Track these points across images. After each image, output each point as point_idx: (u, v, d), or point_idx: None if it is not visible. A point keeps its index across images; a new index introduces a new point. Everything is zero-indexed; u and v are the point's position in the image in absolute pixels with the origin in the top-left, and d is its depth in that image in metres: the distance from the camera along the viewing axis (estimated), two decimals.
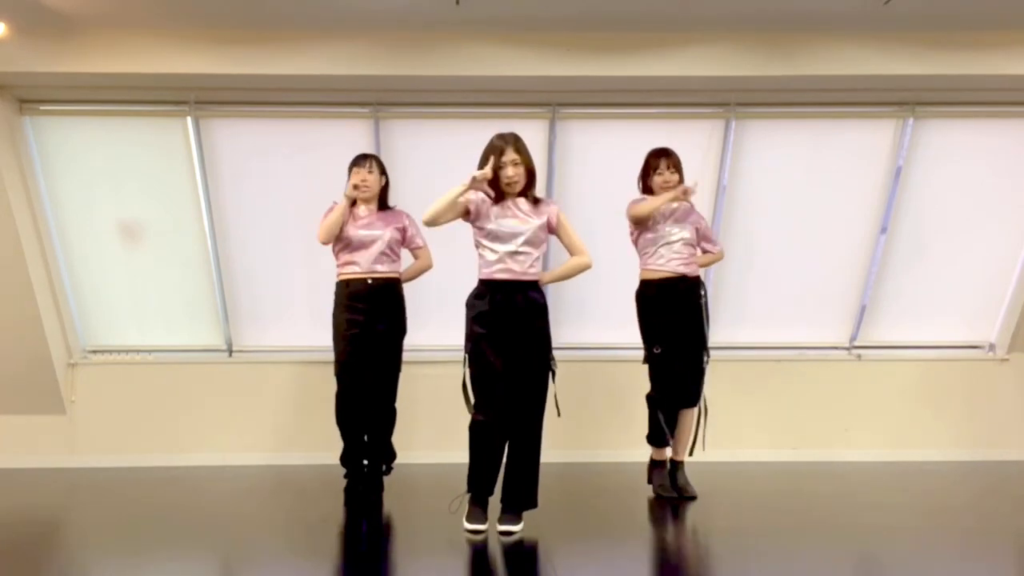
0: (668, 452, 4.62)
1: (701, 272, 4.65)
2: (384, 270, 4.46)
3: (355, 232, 4.43)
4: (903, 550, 3.71)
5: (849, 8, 4.69)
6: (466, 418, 3.89)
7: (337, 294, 4.48)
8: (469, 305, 3.94)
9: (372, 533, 4.06)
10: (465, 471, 3.91)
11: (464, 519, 3.86)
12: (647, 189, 4.61)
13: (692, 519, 4.23)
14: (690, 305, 4.52)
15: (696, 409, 4.57)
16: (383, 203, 4.57)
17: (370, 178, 4.47)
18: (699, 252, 4.67)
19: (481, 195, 3.90)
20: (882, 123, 5.53)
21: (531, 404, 3.87)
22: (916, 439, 5.71)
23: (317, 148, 5.40)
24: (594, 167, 5.52)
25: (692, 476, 4.59)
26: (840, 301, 5.85)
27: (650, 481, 4.64)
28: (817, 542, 3.82)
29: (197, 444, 5.55)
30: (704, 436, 4.54)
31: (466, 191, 3.83)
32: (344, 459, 4.49)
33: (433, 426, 5.33)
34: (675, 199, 4.52)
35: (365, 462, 4.49)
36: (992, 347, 5.94)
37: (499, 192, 3.91)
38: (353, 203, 4.50)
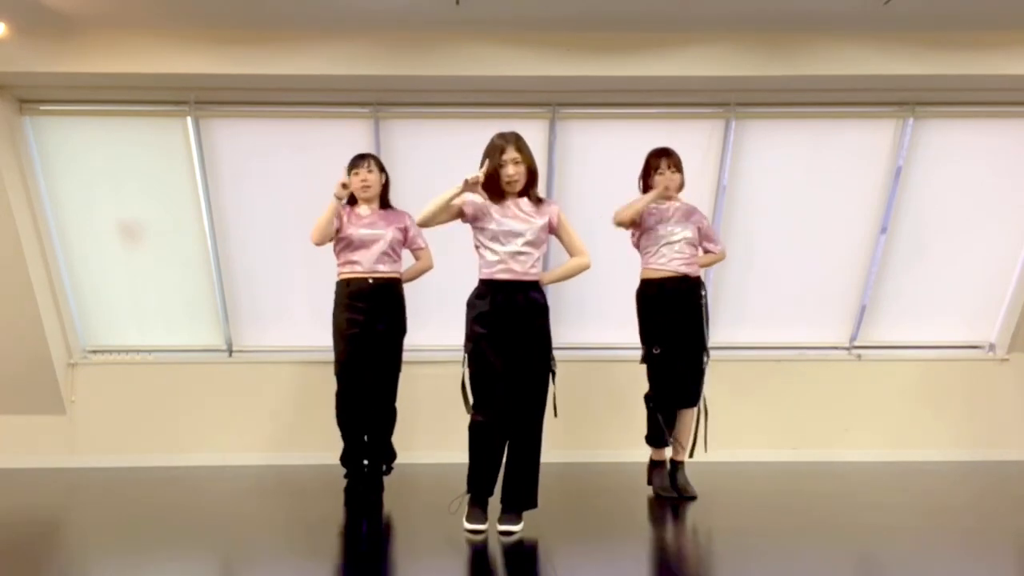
0: (667, 452, 4.62)
1: (701, 272, 4.65)
2: (385, 270, 4.46)
3: (357, 231, 4.43)
4: (903, 550, 3.71)
5: (849, 8, 4.69)
6: (466, 418, 3.89)
7: (337, 293, 4.48)
8: (470, 305, 3.94)
9: (372, 533, 4.06)
10: (465, 471, 3.91)
11: (464, 519, 3.86)
12: (648, 189, 4.61)
13: (692, 519, 4.23)
14: (691, 305, 4.52)
15: (695, 409, 4.57)
16: (385, 202, 4.57)
17: (370, 177, 4.47)
18: (700, 252, 4.67)
19: (479, 197, 3.90)
20: (882, 123, 5.53)
21: (532, 404, 3.86)
22: (916, 439, 5.71)
23: (317, 148, 5.40)
24: (594, 167, 5.52)
25: (692, 476, 4.59)
26: (840, 301, 5.85)
27: (650, 482, 4.64)
28: (817, 542, 3.82)
29: (197, 444, 5.55)
30: (706, 437, 4.54)
31: (458, 194, 3.83)
32: (344, 459, 4.48)
33: (433, 426, 5.33)
34: (657, 199, 4.51)
35: (365, 462, 4.49)
36: (992, 347, 5.94)
37: (500, 191, 3.91)
38: (353, 202, 4.50)
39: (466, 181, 3.79)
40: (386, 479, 4.56)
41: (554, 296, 5.06)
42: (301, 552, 3.69)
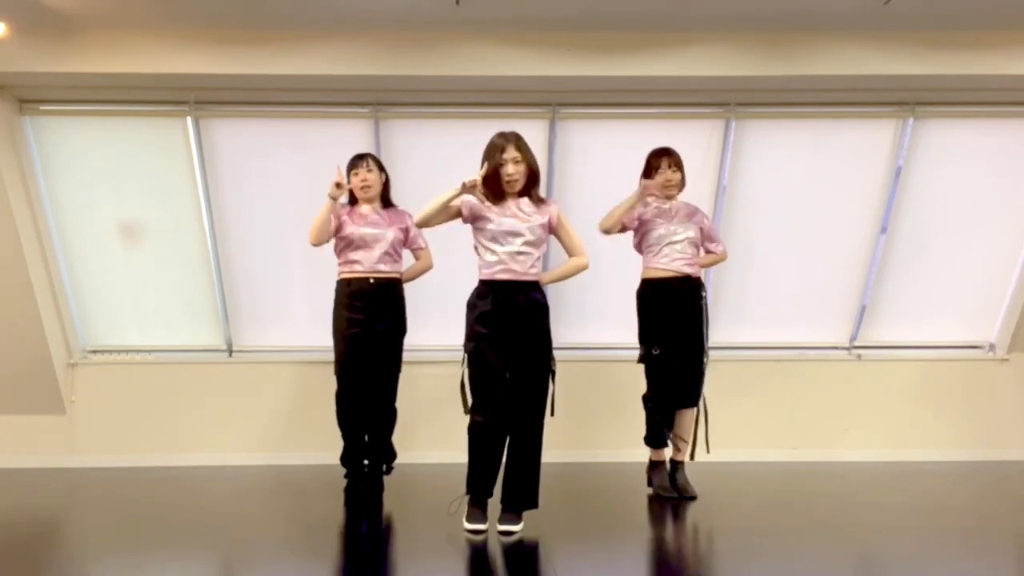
0: (667, 453, 4.62)
1: (701, 273, 4.65)
2: (387, 270, 4.45)
3: (358, 231, 4.42)
4: (903, 550, 3.71)
5: (849, 8, 4.69)
6: (466, 418, 3.89)
7: (338, 293, 4.48)
8: (471, 305, 3.94)
9: (372, 533, 4.06)
10: (465, 471, 3.91)
11: (464, 519, 3.86)
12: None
13: (692, 519, 4.23)
14: (691, 306, 4.52)
15: (695, 410, 4.57)
16: (387, 201, 4.57)
17: (370, 177, 4.47)
18: (702, 252, 4.67)
19: (478, 199, 3.90)
20: (882, 123, 5.53)
21: (532, 404, 3.86)
22: (916, 439, 5.71)
23: (317, 148, 5.39)
24: (594, 167, 5.52)
25: (692, 476, 4.59)
26: (840, 301, 5.85)
27: (650, 482, 4.64)
28: (817, 542, 3.82)
29: (197, 444, 5.55)
30: (707, 438, 4.54)
31: (457, 196, 3.83)
32: (344, 459, 4.48)
33: (433, 426, 5.33)
34: (640, 200, 4.51)
35: (365, 462, 4.49)
36: (992, 347, 5.94)
37: (500, 191, 3.91)
38: (354, 201, 4.50)
39: (464, 184, 3.79)
40: (386, 479, 4.56)
41: (554, 296, 5.06)
42: (301, 552, 3.69)
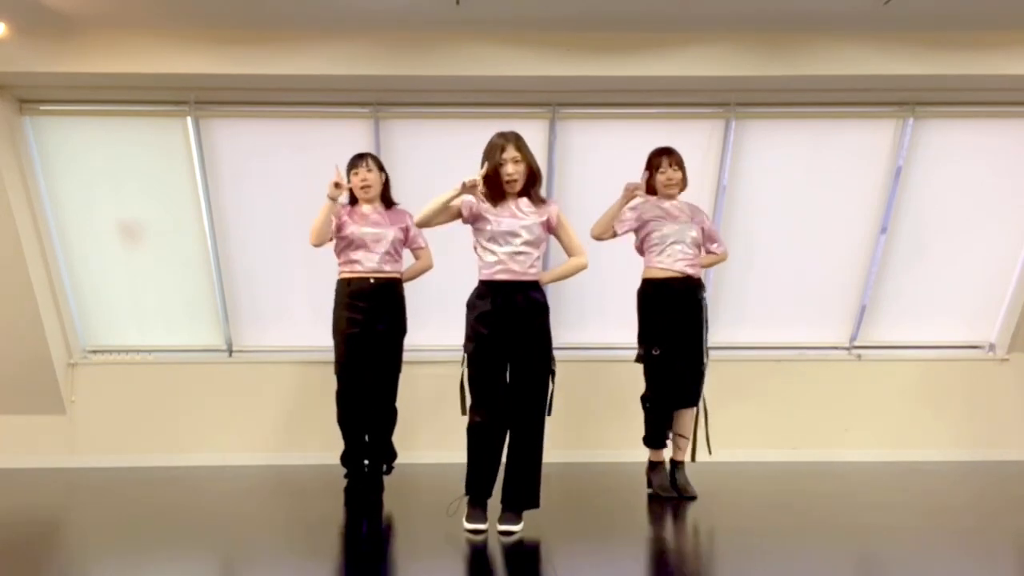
0: (666, 453, 4.62)
1: (701, 273, 4.65)
2: (387, 270, 4.45)
3: (359, 231, 4.42)
4: (903, 550, 3.71)
5: (849, 8, 4.69)
6: (466, 418, 3.89)
7: (338, 292, 4.48)
8: (470, 305, 3.94)
9: (372, 533, 4.06)
10: (464, 471, 3.91)
11: (464, 519, 3.86)
12: (650, 188, 4.62)
13: (692, 519, 4.23)
14: (692, 306, 4.52)
15: (695, 409, 4.57)
16: (387, 200, 4.57)
17: (370, 177, 4.47)
18: (702, 253, 4.67)
19: (477, 200, 3.90)
20: (882, 123, 5.53)
21: (532, 404, 3.87)
22: (916, 439, 5.70)
23: (317, 148, 5.39)
24: (594, 167, 5.52)
25: (692, 476, 4.59)
26: (840, 301, 5.85)
27: (649, 484, 4.63)
28: (817, 542, 3.82)
29: (197, 444, 5.55)
30: (708, 440, 4.54)
31: (457, 196, 3.83)
32: (344, 459, 4.48)
33: (433, 426, 5.33)
34: (627, 200, 4.51)
35: (366, 462, 4.49)
36: (992, 347, 5.94)
37: (500, 191, 3.91)
38: (354, 201, 4.50)
39: (464, 184, 3.79)
40: (386, 479, 4.56)
41: (554, 296, 5.06)
42: (301, 552, 3.69)
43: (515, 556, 3.63)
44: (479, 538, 3.76)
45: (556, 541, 3.78)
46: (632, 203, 4.57)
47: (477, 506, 3.87)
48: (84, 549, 3.89)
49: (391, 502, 4.44)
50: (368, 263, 4.41)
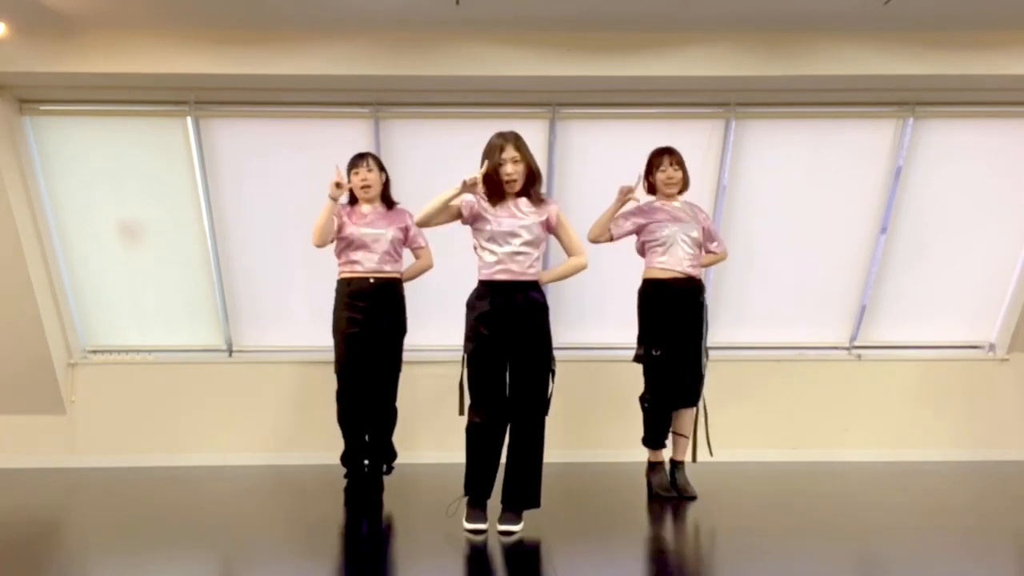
0: (666, 453, 4.62)
1: (701, 273, 4.65)
2: (387, 269, 4.46)
3: (358, 231, 4.42)
4: (903, 550, 3.71)
5: (849, 8, 4.69)
6: (466, 418, 3.89)
7: (338, 292, 4.48)
8: (470, 305, 3.94)
9: (372, 533, 4.07)
10: (464, 471, 3.91)
11: (464, 519, 3.86)
12: (650, 188, 4.63)
13: (692, 519, 4.23)
14: (692, 306, 4.52)
15: (694, 409, 4.57)
16: (387, 200, 4.57)
17: (370, 177, 4.47)
18: (702, 252, 4.67)
19: (477, 199, 3.90)
20: (882, 123, 5.53)
21: (533, 403, 3.87)
22: (916, 439, 5.70)
23: (317, 148, 5.39)
24: (594, 167, 5.52)
25: (692, 476, 4.59)
26: (840, 301, 5.85)
27: (649, 483, 4.63)
28: (817, 542, 3.82)
29: (197, 444, 5.55)
30: (708, 440, 4.54)
31: (457, 195, 3.83)
32: (345, 459, 4.48)
33: (433, 426, 5.32)
34: (622, 203, 4.49)
35: (366, 462, 4.49)
36: (992, 347, 5.94)
37: (500, 191, 3.91)
38: (354, 201, 4.50)
39: (464, 182, 3.79)
40: (386, 479, 4.56)
41: (554, 296, 5.07)
42: (301, 552, 3.69)
43: (515, 556, 3.63)
44: (479, 538, 3.76)
45: (556, 541, 3.78)
46: (629, 207, 4.55)
47: (477, 506, 3.87)
48: (84, 549, 3.90)
49: (391, 502, 4.44)
50: (368, 263, 4.41)
